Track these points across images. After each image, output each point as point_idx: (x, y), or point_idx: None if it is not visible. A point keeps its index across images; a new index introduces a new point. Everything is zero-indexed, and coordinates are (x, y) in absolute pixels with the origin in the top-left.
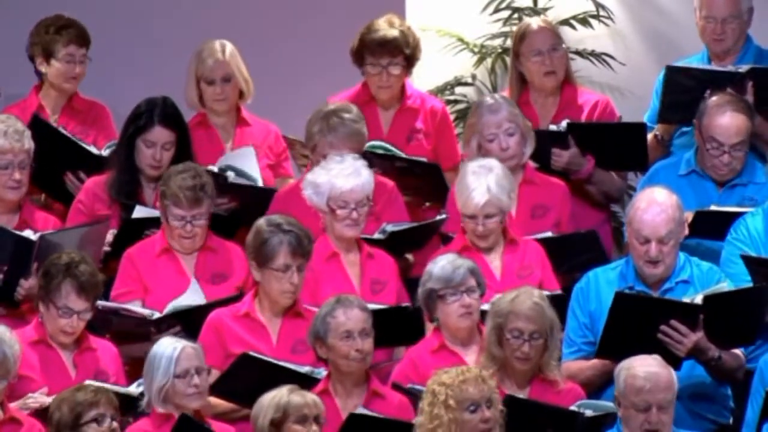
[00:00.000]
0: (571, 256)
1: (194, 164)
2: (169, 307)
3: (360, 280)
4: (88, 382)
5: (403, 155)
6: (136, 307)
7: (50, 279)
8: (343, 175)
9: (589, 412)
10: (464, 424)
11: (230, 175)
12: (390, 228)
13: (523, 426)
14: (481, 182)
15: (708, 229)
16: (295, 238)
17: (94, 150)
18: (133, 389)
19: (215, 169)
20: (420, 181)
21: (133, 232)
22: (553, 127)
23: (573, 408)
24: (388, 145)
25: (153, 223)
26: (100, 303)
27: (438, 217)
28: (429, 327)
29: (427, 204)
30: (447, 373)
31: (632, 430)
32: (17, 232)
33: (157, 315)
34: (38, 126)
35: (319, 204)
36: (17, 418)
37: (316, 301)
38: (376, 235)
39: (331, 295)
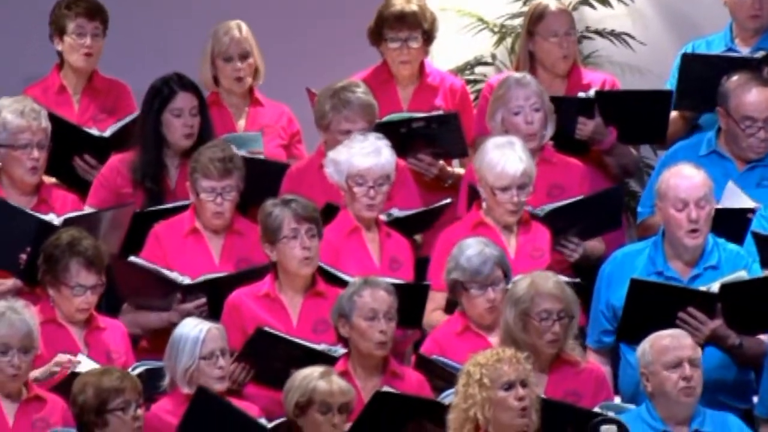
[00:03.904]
0: (589, 217)
1: (222, 141)
2: (201, 278)
3: (380, 257)
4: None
5: (419, 114)
6: (167, 271)
7: (55, 261)
8: (363, 153)
9: (611, 414)
10: (498, 403)
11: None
12: (396, 213)
13: (544, 422)
14: (510, 154)
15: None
16: (298, 205)
17: (95, 132)
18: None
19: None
20: (438, 142)
21: (143, 223)
22: (581, 94)
23: (596, 409)
24: (401, 113)
25: (162, 215)
26: (132, 258)
27: (443, 201)
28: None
29: (449, 182)
30: (482, 354)
31: (668, 395)
32: (41, 216)
33: (188, 281)
34: None
35: (339, 181)
36: (41, 396)
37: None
38: (382, 217)
39: (352, 270)
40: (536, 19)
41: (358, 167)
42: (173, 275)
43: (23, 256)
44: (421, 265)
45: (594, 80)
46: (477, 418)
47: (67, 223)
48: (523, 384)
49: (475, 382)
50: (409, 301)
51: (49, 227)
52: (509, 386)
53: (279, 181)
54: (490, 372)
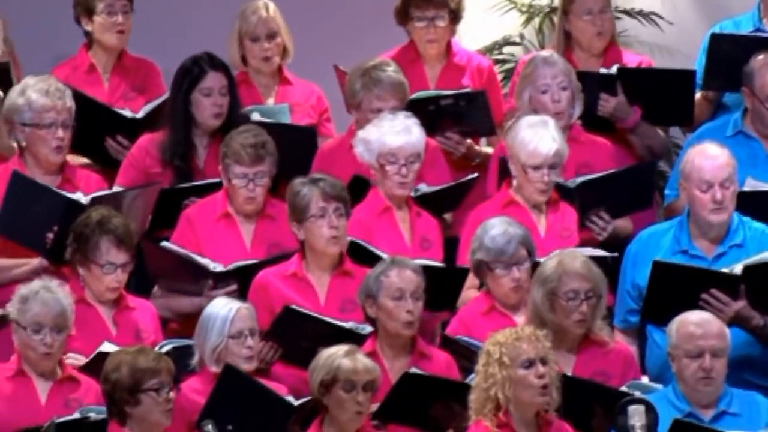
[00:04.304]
0: (619, 193)
1: (254, 125)
2: (232, 265)
3: (411, 236)
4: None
5: (447, 92)
6: (198, 257)
7: (86, 239)
8: (394, 132)
9: (638, 393)
10: (519, 381)
11: (255, 115)
12: (423, 189)
13: (572, 402)
14: (543, 133)
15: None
16: (326, 184)
17: (128, 114)
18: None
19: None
20: (466, 120)
21: (172, 200)
22: (603, 70)
23: (624, 389)
24: (429, 91)
25: (191, 192)
26: (165, 244)
27: (469, 176)
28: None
29: (477, 160)
30: (501, 333)
31: (687, 380)
32: (69, 195)
33: (220, 268)
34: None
35: (370, 160)
36: (75, 377)
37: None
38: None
39: (383, 249)
40: None
41: (389, 146)
42: (205, 262)
43: (50, 236)
44: (451, 245)
45: (630, 61)
46: (498, 398)
47: (95, 202)
48: (543, 361)
49: (495, 361)
50: (447, 285)
51: (76, 206)
52: (529, 364)
53: (309, 147)
54: (510, 351)
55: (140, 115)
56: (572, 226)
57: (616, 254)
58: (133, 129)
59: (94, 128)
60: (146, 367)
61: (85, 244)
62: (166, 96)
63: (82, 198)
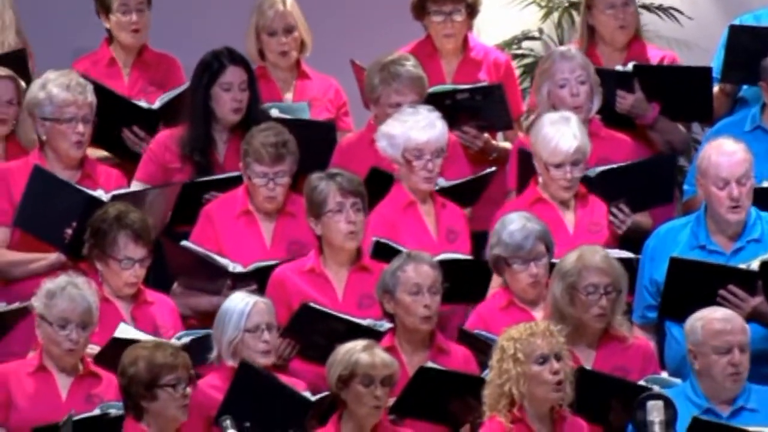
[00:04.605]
0: (639, 185)
1: (275, 123)
2: (252, 266)
3: (437, 229)
4: (166, 340)
5: (464, 86)
6: (218, 257)
7: (103, 235)
8: (419, 127)
9: (656, 388)
10: (533, 377)
11: (274, 111)
12: (442, 183)
13: (590, 396)
14: (564, 131)
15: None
16: (343, 179)
17: (144, 104)
18: (174, 341)
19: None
20: (482, 114)
21: (192, 194)
22: (619, 68)
23: (642, 383)
24: (445, 85)
25: (212, 186)
26: (185, 243)
27: (487, 170)
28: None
29: (494, 155)
30: (516, 328)
31: (714, 377)
32: (89, 192)
33: (239, 268)
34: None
35: (394, 155)
36: (96, 373)
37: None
38: None
39: (409, 244)
40: None
41: (415, 140)
42: (224, 262)
43: (68, 231)
44: (471, 239)
45: (654, 56)
46: (512, 393)
47: (115, 199)
48: (557, 357)
49: (509, 357)
50: (474, 276)
51: (97, 203)
52: (543, 360)
53: (329, 142)
54: (524, 346)
55: (156, 105)
56: (602, 221)
57: (634, 256)
58: (149, 120)
59: (111, 120)
60: (163, 363)
61: (102, 240)
62: (183, 87)
63: (102, 195)
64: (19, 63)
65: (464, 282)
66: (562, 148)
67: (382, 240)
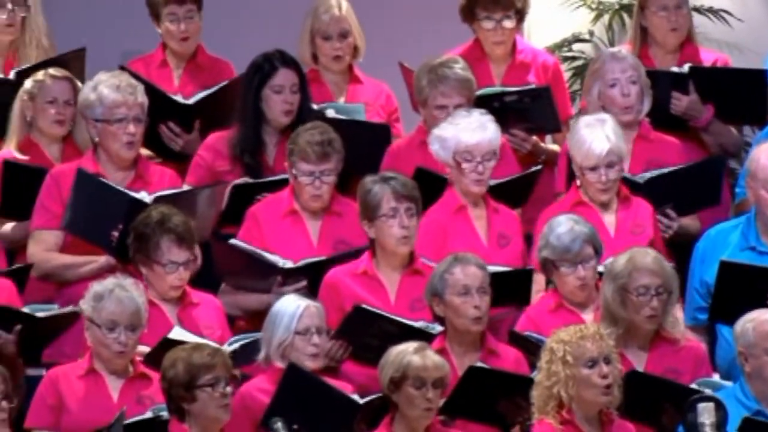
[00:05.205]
0: (688, 189)
1: (321, 122)
2: (302, 261)
3: (487, 234)
4: (204, 342)
5: (512, 88)
6: (267, 254)
7: (146, 239)
8: (470, 129)
9: (708, 391)
10: (582, 380)
11: (330, 112)
12: (489, 182)
13: (641, 398)
14: (598, 133)
15: None
16: (397, 183)
17: (180, 99)
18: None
19: (315, 107)
20: (531, 116)
21: (244, 195)
22: (674, 69)
23: (693, 386)
24: (494, 87)
25: (264, 187)
26: (233, 241)
27: (533, 168)
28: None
29: (543, 157)
30: (565, 330)
31: (765, 379)
32: (132, 194)
33: (289, 264)
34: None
35: (446, 158)
36: (146, 374)
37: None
38: None
39: (459, 248)
40: None
41: (465, 143)
42: (274, 258)
43: (115, 234)
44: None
45: (706, 59)
46: (560, 396)
47: (158, 201)
48: (607, 361)
49: (559, 360)
50: (515, 285)
51: (140, 205)
52: (593, 363)
53: (383, 145)
54: (574, 349)
55: (192, 101)
56: (645, 222)
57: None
58: (185, 115)
59: (150, 114)
60: (201, 363)
61: (145, 244)
62: (220, 85)
63: (146, 197)
64: (77, 64)
65: (508, 288)
66: (594, 151)
67: (423, 260)
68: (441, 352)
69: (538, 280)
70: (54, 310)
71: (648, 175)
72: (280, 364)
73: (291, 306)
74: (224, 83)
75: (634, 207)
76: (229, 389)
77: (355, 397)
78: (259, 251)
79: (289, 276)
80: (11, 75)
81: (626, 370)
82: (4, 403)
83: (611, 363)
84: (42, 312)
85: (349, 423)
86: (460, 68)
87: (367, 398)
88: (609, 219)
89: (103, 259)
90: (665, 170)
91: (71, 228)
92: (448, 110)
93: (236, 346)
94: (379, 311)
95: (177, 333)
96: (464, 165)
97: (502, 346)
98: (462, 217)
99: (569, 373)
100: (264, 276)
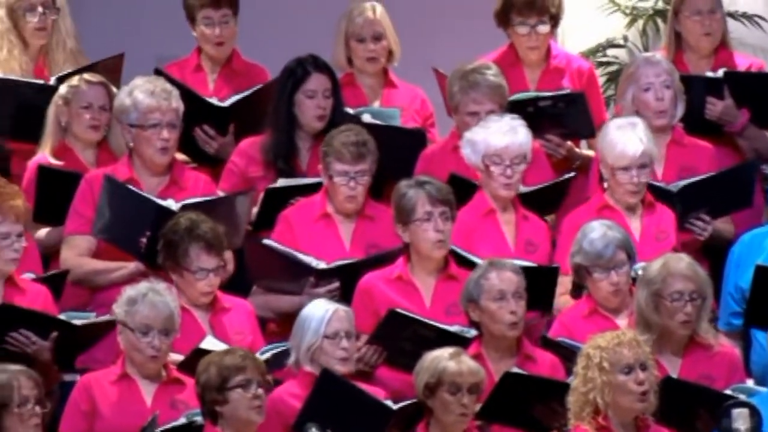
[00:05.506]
0: (721, 194)
1: (354, 124)
2: (335, 263)
3: (515, 240)
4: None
5: (546, 93)
6: (301, 255)
7: (175, 247)
8: (500, 133)
9: (742, 396)
10: (618, 386)
11: (366, 116)
12: (521, 189)
13: (676, 404)
14: (630, 135)
15: None
16: (432, 187)
17: (215, 102)
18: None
19: (351, 111)
20: (565, 122)
21: (277, 200)
22: (709, 74)
23: (728, 392)
24: (528, 92)
25: (298, 191)
26: (267, 241)
27: (566, 176)
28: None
29: (577, 163)
30: (602, 336)
31: None
32: (159, 201)
33: (323, 265)
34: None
35: (476, 161)
36: (180, 379)
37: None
38: None
39: (485, 251)
40: None
41: (495, 146)
42: (308, 259)
43: (143, 240)
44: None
45: (741, 63)
46: (596, 402)
47: (185, 209)
48: (643, 367)
49: (595, 366)
50: (540, 284)
51: (167, 212)
52: (629, 370)
53: (418, 150)
54: (610, 356)
55: (227, 103)
56: (669, 229)
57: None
58: (220, 118)
59: (184, 118)
60: (232, 365)
61: (174, 251)
62: (254, 88)
63: (172, 204)
64: (114, 70)
65: (532, 288)
66: (628, 152)
67: (456, 249)
68: (477, 357)
69: (563, 282)
70: (91, 317)
71: (681, 183)
72: (309, 369)
73: (320, 310)
74: (259, 86)
75: (658, 213)
76: (260, 391)
77: (389, 402)
78: (292, 252)
79: (322, 277)
80: (52, 81)
81: (661, 376)
82: (38, 409)
83: (647, 369)
84: (79, 320)
85: (381, 429)
86: (492, 74)
87: (401, 404)
88: (635, 224)
89: (132, 266)
90: (697, 178)
91: (101, 234)
92: (479, 116)
93: (268, 355)
94: (413, 315)
95: (209, 342)
96: (493, 168)
97: (539, 351)
98: (490, 221)
99: (605, 379)
100: (297, 277)
